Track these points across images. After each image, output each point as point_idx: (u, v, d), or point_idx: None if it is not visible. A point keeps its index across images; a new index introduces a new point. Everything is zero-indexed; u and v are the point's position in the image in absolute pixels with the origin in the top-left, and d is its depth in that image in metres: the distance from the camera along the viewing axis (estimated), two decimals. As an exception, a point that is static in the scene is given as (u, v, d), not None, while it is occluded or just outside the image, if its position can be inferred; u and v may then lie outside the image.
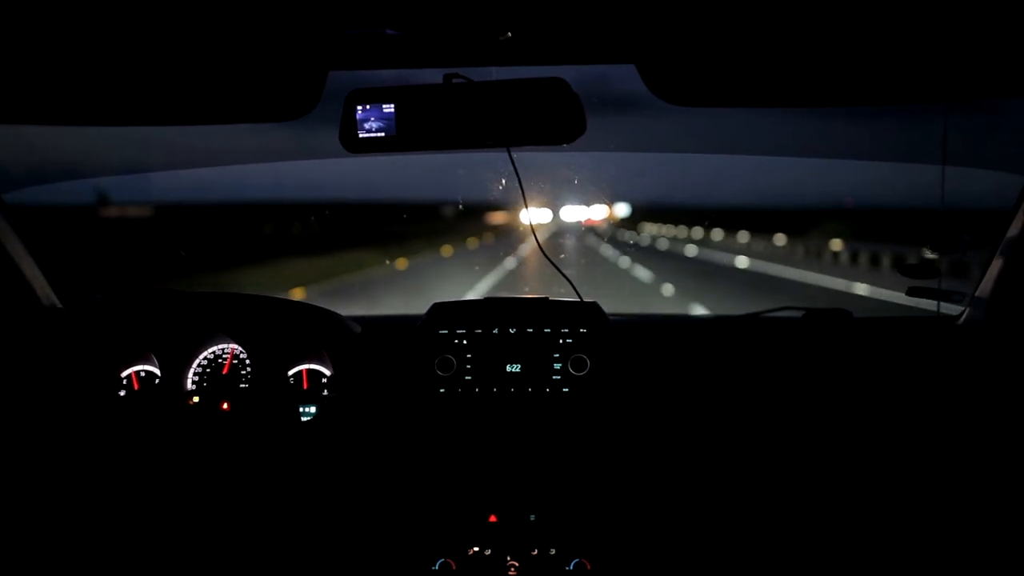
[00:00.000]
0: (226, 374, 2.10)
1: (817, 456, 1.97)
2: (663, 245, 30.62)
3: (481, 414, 1.94)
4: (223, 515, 2.00)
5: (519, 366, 1.95)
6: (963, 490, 1.91)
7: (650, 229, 35.37)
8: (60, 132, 2.15)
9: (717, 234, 31.60)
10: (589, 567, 1.83)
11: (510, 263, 18.75)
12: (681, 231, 34.09)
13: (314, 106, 1.96)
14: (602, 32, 1.82)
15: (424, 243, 24.69)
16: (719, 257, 25.01)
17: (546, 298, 2.03)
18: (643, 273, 18.13)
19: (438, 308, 2.04)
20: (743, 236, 29.99)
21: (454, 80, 1.74)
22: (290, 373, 2.09)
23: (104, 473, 2.02)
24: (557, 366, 1.94)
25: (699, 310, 11.91)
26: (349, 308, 2.28)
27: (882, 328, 2.23)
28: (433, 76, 1.76)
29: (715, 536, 1.97)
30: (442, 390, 1.95)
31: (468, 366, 1.96)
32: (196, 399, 2.08)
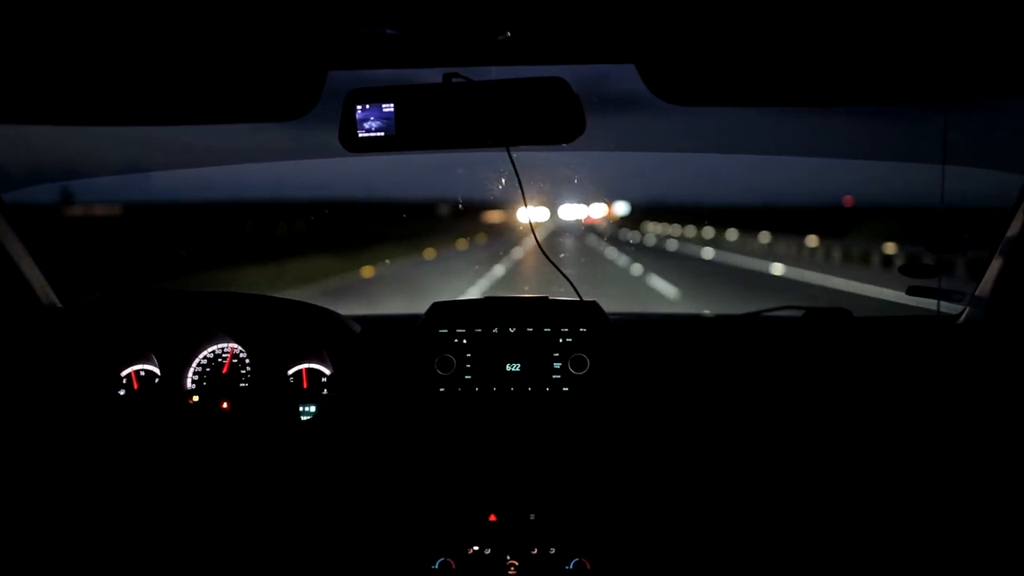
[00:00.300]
0: (226, 373, 2.10)
1: (817, 455, 1.97)
2: (672, 246, 28.62)
3: (481, 413, 1.94)
4: (223, 514, 2.00)
5: (519, 365, 1.95)
6: (963, 489, 1.91)
7: (654, 228, 33.85)
8: (60, 132, 2.15)
9: (731, 234, 29.32)
10: (589, 566, 1.83)
11: (498, 270, 16.28)
12: (689, 230, 32.08)
13: (314, 105, 1.96)
14: (602, 32, 1.82)
15: (408, 244, 22.81)
16: (747, 263, 21.36)
17: (546, 297, 2.03)
18: (664, 286, 14.73)
19: (438, 307, 2.04)
20: (764, 237, 26.92)
21: (454, 80, 1.74)
22: (290, 372, 2.09)
23: (104, 472, 2.02)
24: (557, 365, 1.94)
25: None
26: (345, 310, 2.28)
27: (882, 327, 2.23)
28: (433, 76, 1.76)
29: (715, 535, 1.97)
30: (442, 389, 1.95)
31: (468, 365, 1.96)
32: (196, 398, 2.08)
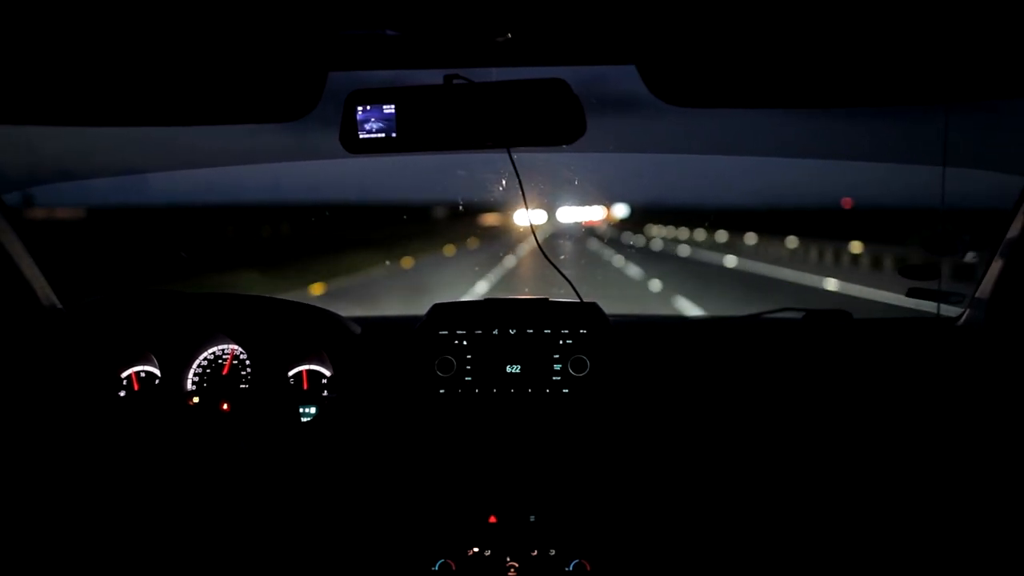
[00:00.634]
0: (226, 375, 2.10)
1: (817, 457, 1.97)
2: (684, 251, 26.09)
3: (481, 415, 1.94)
4: (223, 515, 2.00)
5: (519, 367, 1.95)
6: (963, 491, 1.91)
7: (658, 231, 32.34)
8: (60, 133, 2.15)
9: (750, 238, 26.62)
10: (589, 568, 1.83)
11: (481, 287, 13.65)
12: (698, 234, 29.80)
13: (314, 107, 1.96)
14: (602, 33, 1.82)
15: (387, 251, 21.04)
16: (789, 275, 17.65)
17: (546, 299, 2.03)
18: (697, 313, 11.46)
19: (438, 309, 2.04)
20: (791, 242, 23.77)
21: (454, 81, 1.74)
22: (290, 374, 2.09)
23: (104, 473, 2.02)
24: (557, 367, 1.94)
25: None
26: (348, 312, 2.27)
27: (882, 329, 2.23)
28: (433, 77, 1.76)
29: (715, 537, 1.97)
30: (442, 391, 1.95)
31: (468, 367, 1.96)
32: (196, 400, 2.08)
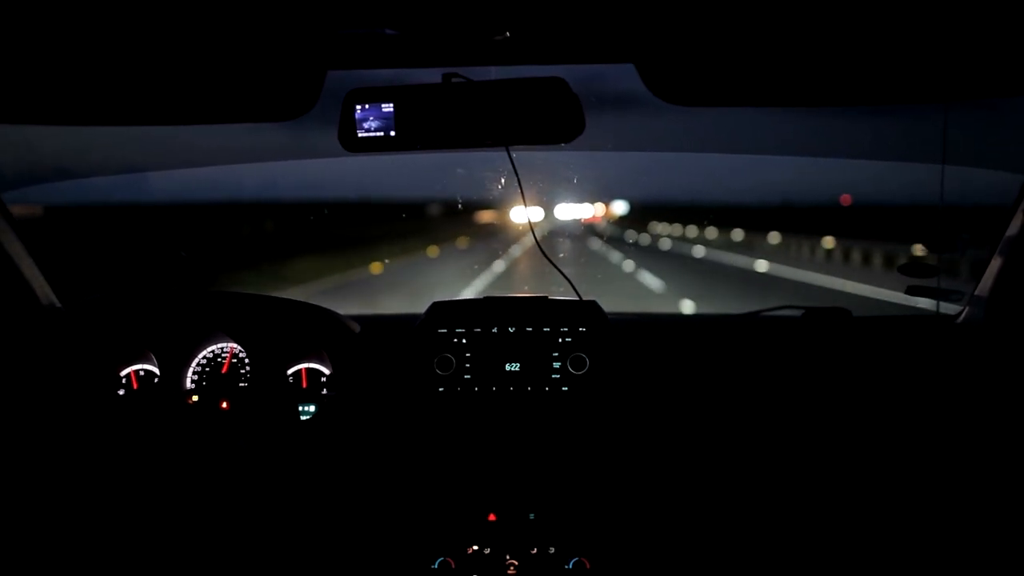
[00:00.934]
0: (225, 373, 2.10)
1: (816, 455, 1.97)
2: (699, 252, 23.31)
3: (480, 413, 1.94)
4: (223, 514, 2.01)
5: (518, 365, 1.95)
6: (962, 489, 1.91)
7: (663, 229, 30.52)
8: (60, 132, 2.15)
9: (773, 238, 24.32)
10: (588, 566, 1.83)
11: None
12: (709, 232, 27.57)
13: (313, 105, 1.96)
14: (601, 31, 1.82)
15: (361, 253, 18.27)
16: (860, 289, 13.37)
17: (545, 297, 2.03)
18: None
19: (437, 307, 2.04)
20: (828, 242, 20.55)
21: (453, 79, 1.74)
22: (289, 372, 2.09)
23: (104, 472, 2.03)
24: (556, 365, 1.94)
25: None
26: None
27: (881, 327, 2.23)
28: (432, 76, 1.76)
29: (714, 535, 1.97)
30: (441, 389, 1.95)
31: (467, 365, 1.96)
32: (195, 398, 2.08)
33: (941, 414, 1.95)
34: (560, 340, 1.95)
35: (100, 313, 2.18)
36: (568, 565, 1.84)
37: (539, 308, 2.00)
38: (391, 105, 1.75)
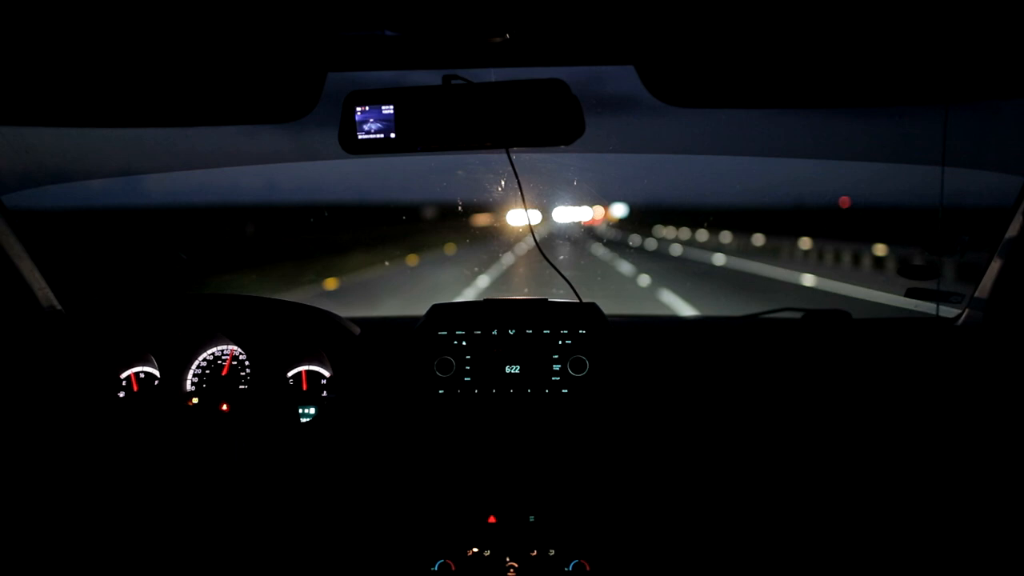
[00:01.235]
0: (225, 375, 2.10)
1: (816, 457, 1.97)
2: (719, 260, 20.83)
3: (480, 415, 1.94)
4: (223, 516, 2.00)
5: (518, 367, 1.95)
6: (962, 490, 1.91)
7: (669, 233, 28.28)
8: (60, 135, 2.15)
9: (804, 242, 21.27)
10: (588, 568, 1.83)
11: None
12: (723, 237, 25.47)
13: (313, 107, 1.96)
14: (601, 33, 1.82)
15: (324, 261, 16.49)
16: None
17: (545, 299, 2.03)
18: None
19: (437, 309, 2.04)
20: (879, 249, 17.14)
21: (453, 81, 1.74)
22: (289, 374, 2.09)
23: (104, 474, 2.02)
24: (556, 367, 1.94)
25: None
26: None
27: (881, 329, 2.23)
28: (432, 78, 1.76)
29: (714, 537, 1.97)
30: (441, 391, 1.95)
31: (467, 367, 1.96)
32: (195, 400, 2.08)
33: (941, 416, 1.94)
34: (560, 342, 1.95)
35: (101, 316, 2.18)
36: (568, 567, 1.84)
37: (539, 310, 2.00)
38: (391, 107, 1.75)
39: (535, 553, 1.85)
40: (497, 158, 1.93)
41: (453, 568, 1.85)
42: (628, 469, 1.94)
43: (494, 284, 12.40)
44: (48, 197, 2.47)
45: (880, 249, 17.41)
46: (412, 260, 18.96)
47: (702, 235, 26.97)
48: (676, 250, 24.20)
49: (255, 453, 2.01)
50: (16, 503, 2.03)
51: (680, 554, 1.96)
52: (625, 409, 1.95)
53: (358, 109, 1.76)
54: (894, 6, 1.60)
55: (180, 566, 2.00)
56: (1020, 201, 2.01)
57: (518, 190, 2.01)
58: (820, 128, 2.28)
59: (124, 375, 2.12)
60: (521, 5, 1.61)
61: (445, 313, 2.02)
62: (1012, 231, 2.01)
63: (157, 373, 2.11)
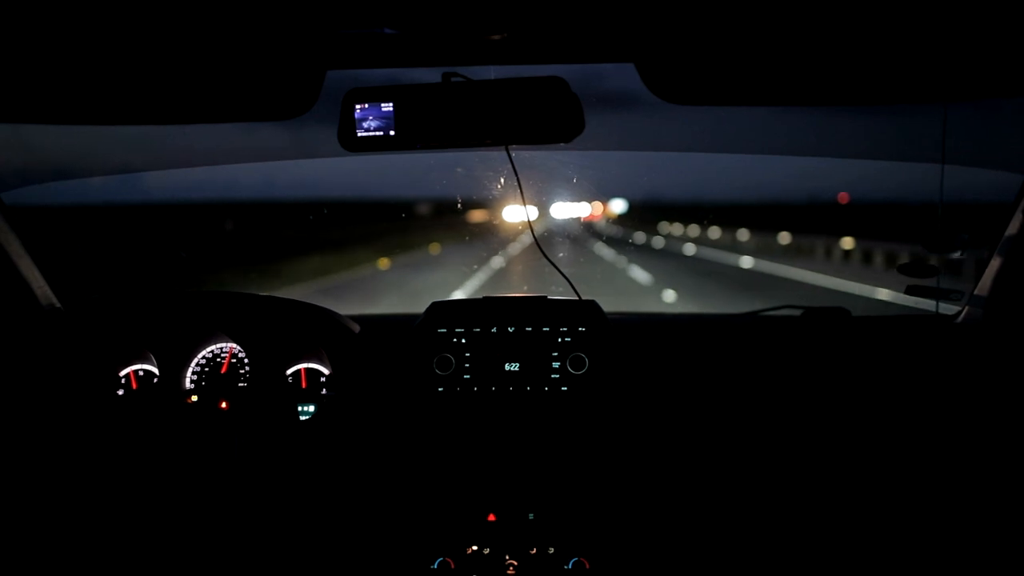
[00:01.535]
0: (225, 373, 2.10)
1: (816, 454, 1.97)
2: (746, 263, 17.99)
3: (480, 413, 1.94)
4: (222, 514, 2.00)
5: (518, 365, 1.95)
6: (961, 488, 1.91)
7: (676, 230, 26.48)
8: (59, 132, 2.15)
9: (847, 242, 18.43)
10: (588, 566, 1.83)
11: None
12: (740, 234, 23.27)
13: (312, 105, 1.95)
14: (601, 31, 1.82)
15: (281, 265, 14.90)
16: None
17: (544, 297, 2.03)
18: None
19: (436, 307, 2.04)
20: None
21: (453, 79, 1.74)
22: (289, 372, 2.09)
23: (103, 472, 2.03)
24: (556, 365, 1.94)
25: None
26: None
27: (880, 327, 2.23)
28: (432, 75, 1.76)
29: (714, 534, 1.97)
30: (441, 389, 1.95)
31: (467, 365, 1.96)
32: (195, 398, 2.08)
33: (940, 414, 1.95)
34: (559, 340, 1.95)
35: (99, 313, 2.18)
36: (567, 565, 1.84)
37: (538, 308, 2.00)
38: (391, 105, 1.75)
39: (534, 551, 1.85)
40: (493, 154, 1.93)
41: (452, 566, 1.85)
42: (627, 467, 1.94)
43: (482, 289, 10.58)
44: (47, 194, 2.47)
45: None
46: (383, 264, 16.62)
47: (714, 233, 24.63)
48: (689, 250, 21.83)
49: (254, 451, 2.01)
50: (16, 502, 2.03)
51: (680, 552, 1.96)
52: (625, 407, 1.95)
53: (357, 107, 1.76)
54: (894, 6, 1.60)
55: (180, 564, 2.01)
56: (1020, 199, 2.01)
57: (517, 187, 2.01)
58: (819, 125, 2.28)
59: (123, 373, 2.12)
60: (521, 3, 1.61)
61: (444, 310, 2.02)
62: (1012, 229, 2.01)
63: (156, 371, 2.11)
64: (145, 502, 2.01)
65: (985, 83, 1.91)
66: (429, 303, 2.07)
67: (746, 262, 18.02)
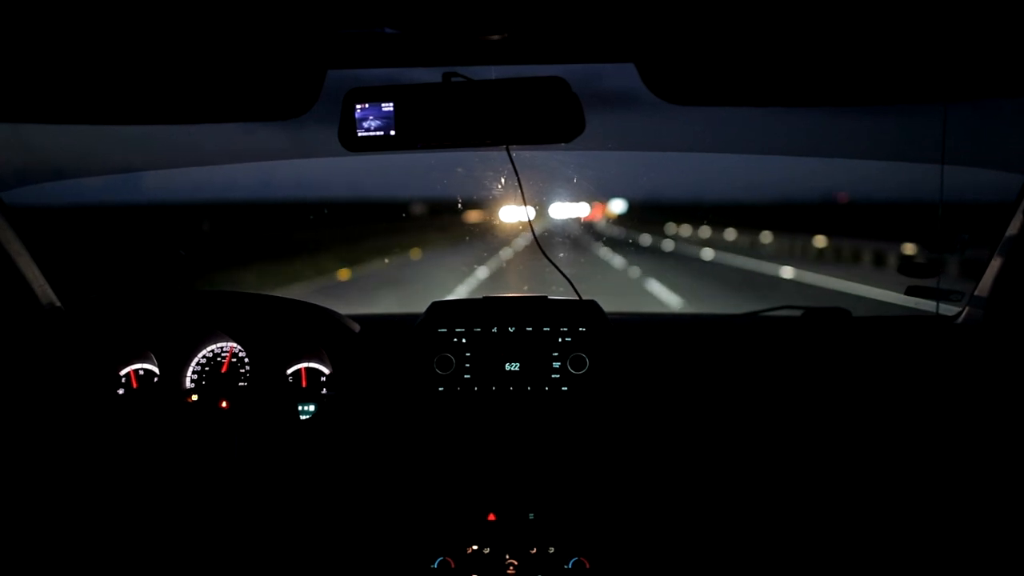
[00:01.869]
0: (225, 373, 2.10)
1: (816, 454, 1.97)
2: (788, 274, 15.63)
3: (480, 413, 1.94)
4: (222, 513, 2.00)
5: (518, 365, 1.95)
6: (962, 489, 1.92)
7: (686, 232, 24.66)
8: (59, 132, 2.15)
9: (908, 247, 13.61)
10: (588, 565, 1.83)
11: None
12: (763, 236, 21.51)
13: (312, 105, 1.95)
14: (601, 31, 1.82)
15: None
16: None
17: (545, 296, 2.03)
18: None
19: (437, 307, 2.04)
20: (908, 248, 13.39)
21: (453, 79, 1.74)
22: (289, 372, 2.09)
23: (104, 471, 2.03)
24: (556, 365, 1.94)
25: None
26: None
27: (881, 327, 2.23)
28: (432, 75, 1.76)
29: (714, 534, 1.97)
30: (441, 389, 1.95)
31: (467, 365, 1.96)
32: (195, 397, 2.08)
33: (940, 414, 1.95)
34: (560, 340, 1.95)
35: (100, 313, 2.18)
36: (568, 565, 1.84)
37: (539, 308, 2.00)
38: (391, 104, 1.75)
39: (535, 551, 1.85)
40: (493, 154, 1.93)
41: (453, 565, 1.85)
42: (627, 467, 1.94)
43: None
44: (47, 194, 2.47)
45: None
46: (344, 275, 14.95)
47: (730, 234, 22.31)
48: (707, 254, 19.64)
49: (255, 450, 2.01)
50: (16, 501, 2.03)
51: (680, 551, 1.96)
52: (625, 407, 1.95)
53: (358, 106, 1.76)
54: (893, 6, 1.60)
55: (180, 563, 2.01)
56: (1021, 199, 2.01)
57: (518, 187, 2.01)
58: (820, 125, 2.28)
59: (123, 372, 2.12)
60: (521, 3, 1.61)
61: (445, 310, 2.02)
62: (1012, 229, 2.02)
63: (156, 370, 2.11)
64: (145, 501, 2.01)
65: (985, 83, 1.91)
66: (429, 303, 2.07)
67: (787, 272, 15.45)
